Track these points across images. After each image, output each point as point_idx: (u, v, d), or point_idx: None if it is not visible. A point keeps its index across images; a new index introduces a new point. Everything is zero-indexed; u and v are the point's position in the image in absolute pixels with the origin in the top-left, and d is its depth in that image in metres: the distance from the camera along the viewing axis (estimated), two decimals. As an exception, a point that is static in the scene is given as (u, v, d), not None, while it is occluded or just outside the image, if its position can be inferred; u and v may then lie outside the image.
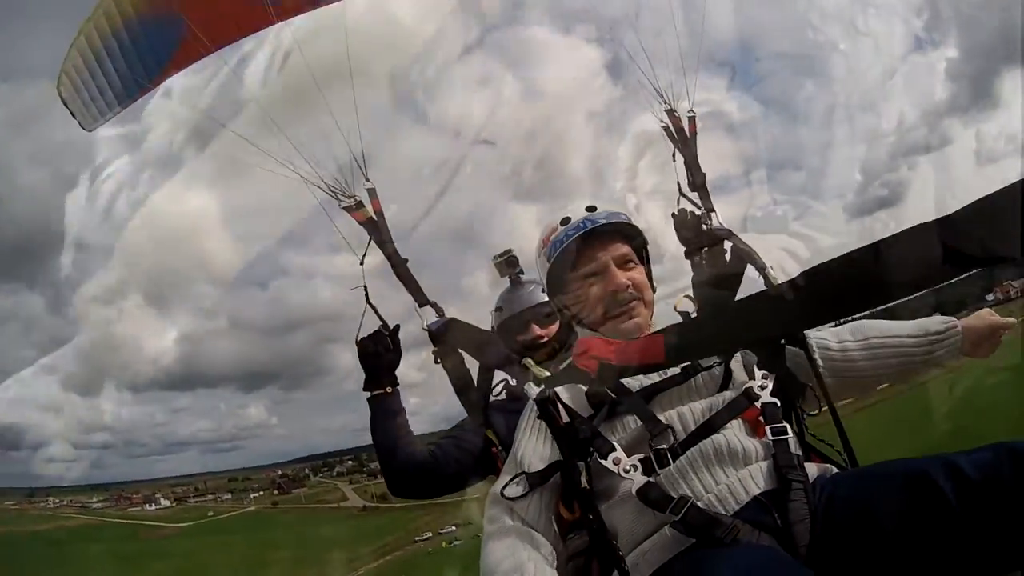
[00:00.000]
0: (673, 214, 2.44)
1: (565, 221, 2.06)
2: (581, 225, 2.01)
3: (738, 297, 2.16)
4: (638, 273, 2.04)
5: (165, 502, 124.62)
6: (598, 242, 2.01)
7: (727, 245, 2.27)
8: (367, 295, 2.35)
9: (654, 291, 2.12)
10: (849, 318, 1.93)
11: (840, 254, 1.29)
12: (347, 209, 2.36)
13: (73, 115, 2.84)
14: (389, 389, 2.38)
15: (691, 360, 1.77)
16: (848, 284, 1.26)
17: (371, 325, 2.43)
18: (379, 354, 2.38)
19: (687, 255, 2.37)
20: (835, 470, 1.66)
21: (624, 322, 1.98)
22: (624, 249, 2.04)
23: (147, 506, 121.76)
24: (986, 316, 1.92)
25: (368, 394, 2.40)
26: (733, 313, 1.64)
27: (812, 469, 1.58)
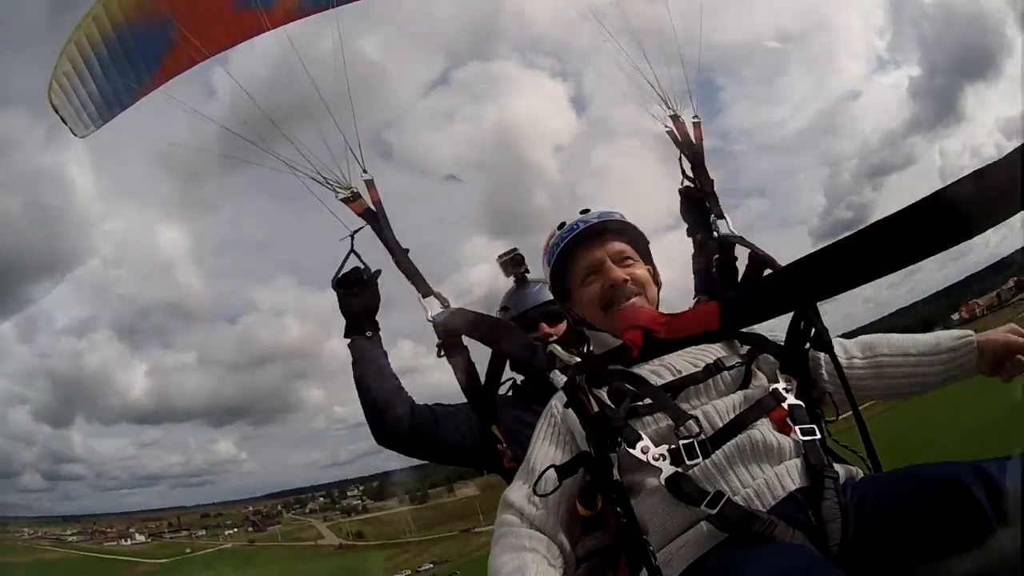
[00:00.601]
0: (680, 190, 2.47)
1: (561, 226, 2.07)
2: (574, 227, 2.03)
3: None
4: (639, 269, 2.01)
5: (140, 537, 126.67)
6: (594, 241, 2.01)
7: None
8: (352, 242, 2.31)
9: (659, 287, 2.06)
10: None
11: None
12: (345, 201, 2.32)
13: (64, 121, 2.82)
14: (369, 334, 2.28)
15: (748, 324, 1.76)
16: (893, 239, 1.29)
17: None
18: (355, 294, 2.29)
19: (688, 233, 2.42)
20: (860, 473, 1.62)
21: (624, 322, 1.89)
22: (620, 246, 2.02)
23: (122, 541, 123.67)
24: (1004, 332, 1.71)
25: (348, 340, 2.30)
26: (788, 274, 1.58)
27: (840, 471, 1.54)
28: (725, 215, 2.35)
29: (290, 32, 2.62)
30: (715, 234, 2.32)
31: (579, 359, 1.78)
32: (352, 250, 2.36)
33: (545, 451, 1.75)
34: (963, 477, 1.22)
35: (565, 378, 1.73)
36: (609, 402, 1.67)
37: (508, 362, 2.19)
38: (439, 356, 2.16)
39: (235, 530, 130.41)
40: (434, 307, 2.18)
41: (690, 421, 1.57)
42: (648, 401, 1.66)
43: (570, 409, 1.70)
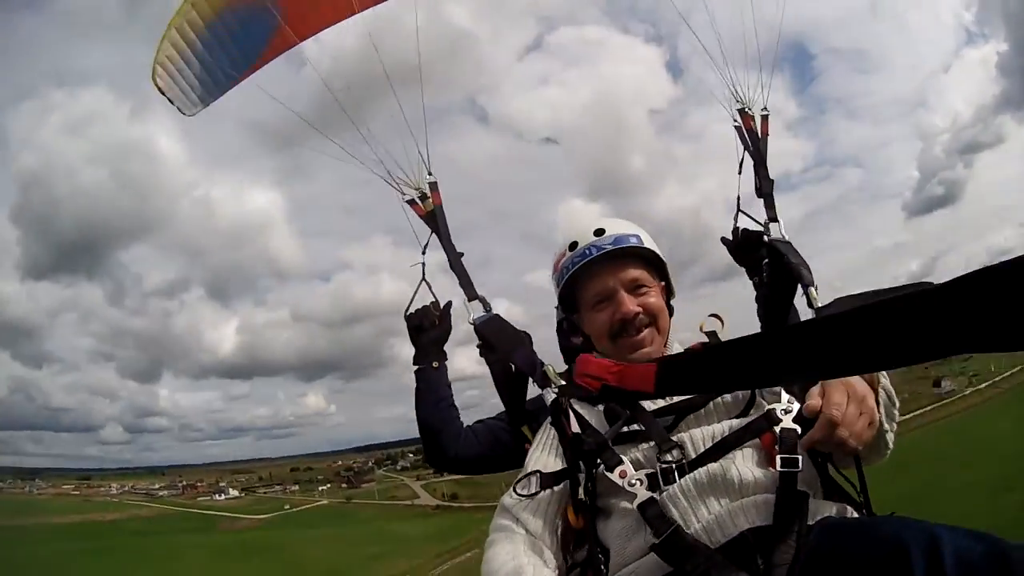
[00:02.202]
0: (724, 239, 2.41)
1: (572, 246, 2.00)
2: (587, 252, 1.95)
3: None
4: (652, 296, 1.96)
5: (233, 492, 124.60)
6: (607, 267, 1.94)
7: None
8: (423, 272, 2.41)
9: (671, 313, 2.04)
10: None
11: (870, 298, 1.13)
12: (410, 202, 2.39)
13: (172, 102, 2.92)
14: (436, 364, 2.40)
15: (681, 394, 1.70)
16: (869, 341, 0.95)
17: (425, 301, 2.46)
18: (424, 328, 2.40)
19: (749, 275, 2.34)
20: (850, 510, 1.57)
21: (633, 352, 1.91)
22: (635, 272, 1.96)
23: (215, 496, 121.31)
24: (817, 395, 1.50)
25: (415, 367, 2.43)
26: (731, 353, 1.32)
27: (825, 507, 1.50)
28: (778, 219, 2.28)
29: (371, 28, 2.76)
30: (765, 238, 2.26)
31: (564, 383, 1.84)
32: (423, 279, 2.43)
33: (538, 457, 1.81)
34: (912, 550, 1.17)
35: (553, 396, 1.81)
36: (595, 424, 1.72)
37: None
38: (480, 355, 2.21)
39: (328, 486, 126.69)
40: (477, 311, 2.18)
41: (674, 449, 1.59)
42: (637, 427, 1.69)
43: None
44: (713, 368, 1.27)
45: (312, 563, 74.94)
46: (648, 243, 2.01)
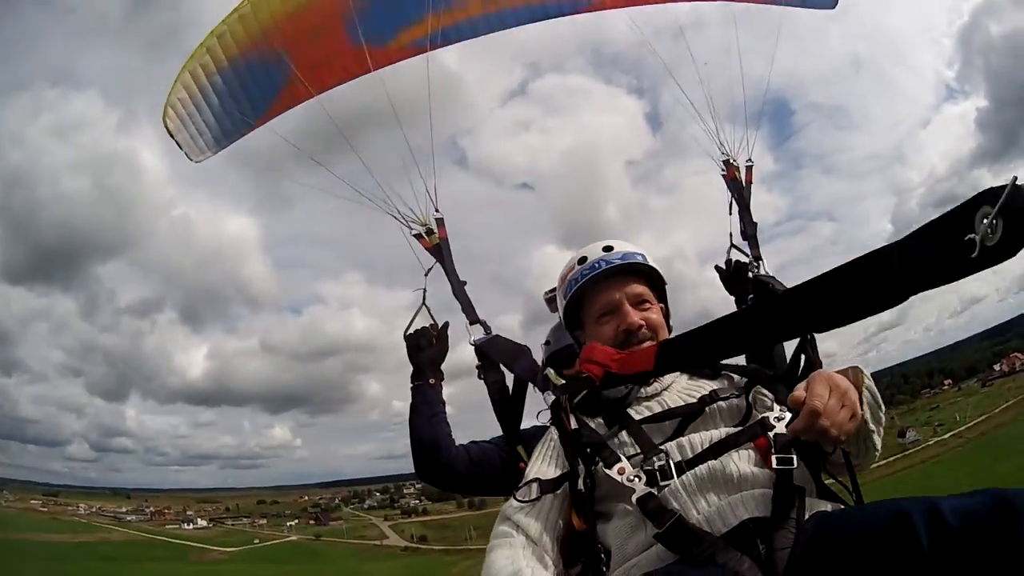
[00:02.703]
0: (717, 267, 2.58)
1: (582, 260, 2.12)
2: (596, 265, 2.07)
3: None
4: (654, 313, 2.08)
5: (201, 522, 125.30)
6: (614, 281, 2.07)
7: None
8: (424, 296, 2.53)
9: (670, 331, 2.13)
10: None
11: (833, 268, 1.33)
12: (417, 236, 2.53)
13: (180, 146, 2.91)
14: (432, 381, 2.45)
15: (679, 369, 1.89)
16: (832, 299, 1.29)
17: (422, 324, 2.54)
18: (422, 348, 2.47)
19: (736, 304, 2.49)
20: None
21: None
22: (639, 288, 2.08)
23: (184, 524, 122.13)
24: (801, 388, 1.53)
25: (412, 384, 2.47)
26: (722, 323, 1.59)
27: (820, 504, 1.59)
28: (762, 258, 2.51)
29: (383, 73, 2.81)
30: (750, 274, 2.47)
31: (564, 382, 1.95)
32: (423, 304, 2.55)
33: (538, 467, 1.85)
34: (912, 515, 1.20)
35: (555, 397, 1.90)
36: (592, 424, 1.83)
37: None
38: (479, 378, 2.33)
39: (295, 521, 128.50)
40: (478, 333, 2.37)
41: (660, 454, 1.64)
42: (626, 436, 1.77)
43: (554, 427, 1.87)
44: (704, 342, 1.47)
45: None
46: (652, 263, 2.14)
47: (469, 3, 3.11)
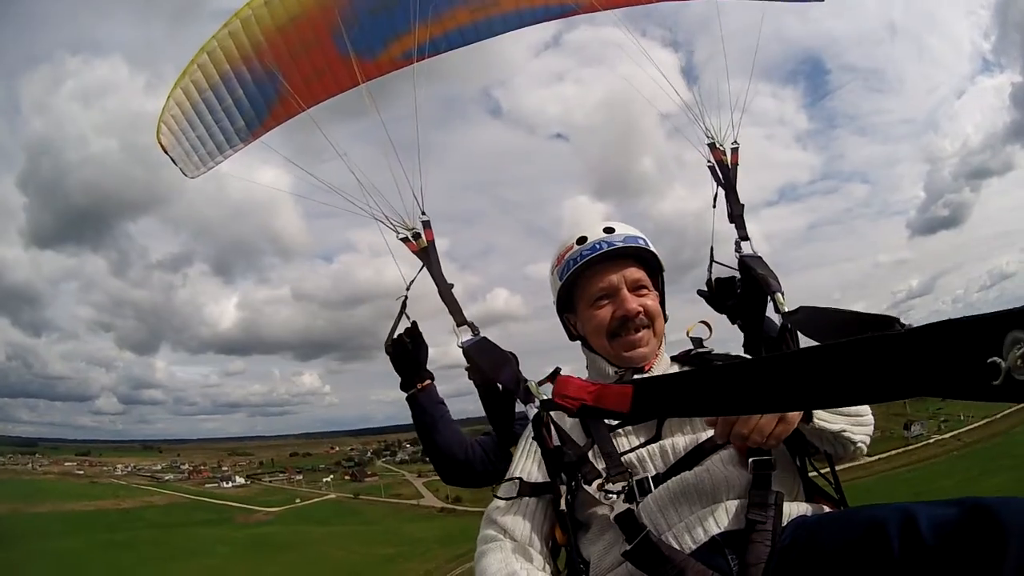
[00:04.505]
0: (700, 292, 2.40)
1: (581, 240, 2.05)
2: (597, 246, 2.00)
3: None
4: (651, 300, 2.04)
5: (239, 479, 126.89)
6: (613, 264, 2.01)
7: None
8: (404, 305, 2.48)
9: (666, 320, 2.11)
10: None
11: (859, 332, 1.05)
12: (403, 240, 2.47)
13: (175, 162, 2.91)
14: (421, 385, 2.45)
15: (656, 417, 1.77)
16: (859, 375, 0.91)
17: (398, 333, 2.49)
18: (402, 353, 2.47)
19: (731, 321, 2.32)
20: (827, 509, 1.65)
21: (630, 350, 1.99)
22: (639, 274, 2.04)
23: (223, 483, 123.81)
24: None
25: (405, 395, 2.46)
26: (711, 379, 1.29)
27: (802, 508, 1.56)
28: (749, 237, 2.36)
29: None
30: (736, 254, 2.33)
31: (546, 398, 1.81)
32: (403, 311, 2.48)
33: (522, 464, 1.89)
34: (888, 524, 1.18)
35: (536, 410, 1.82)
36: (575, 437, 1.79)
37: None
38: (469, 379, 2.25)
39: (331, 477, 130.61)
40: (466, 335, 2.22)
41: (623, 472, 1.65)
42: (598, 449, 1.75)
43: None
44: (688, 394, 1.28)
45: (333, 563, 78.79)
46: (652, 249, 2.10)
47: (457, 12, 3.04)
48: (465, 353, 2.16)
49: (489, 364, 2.07)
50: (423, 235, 2.47)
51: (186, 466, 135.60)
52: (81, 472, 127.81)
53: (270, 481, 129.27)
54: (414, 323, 2.48)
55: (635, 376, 1.94)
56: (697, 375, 1.47)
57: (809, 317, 1.82)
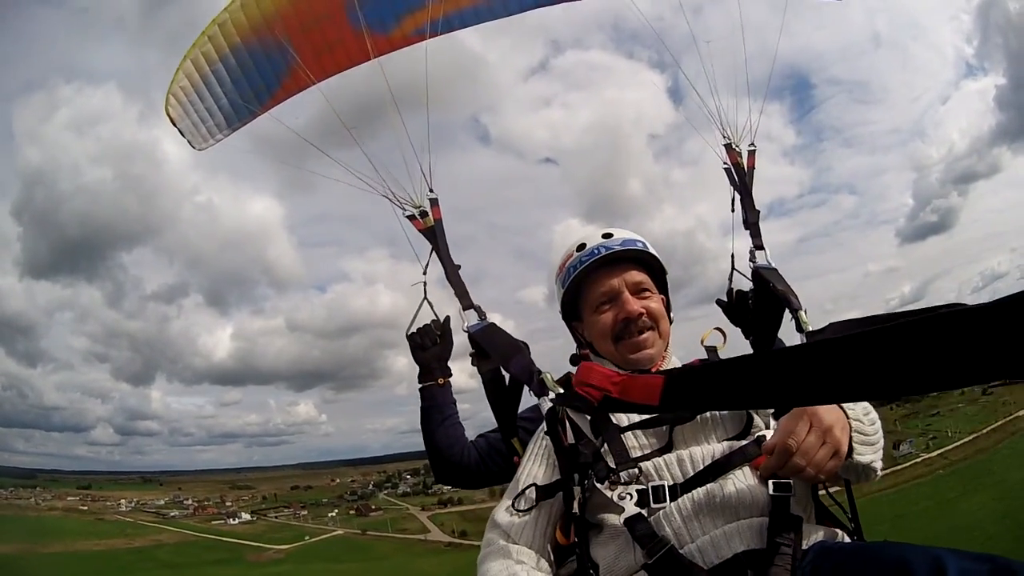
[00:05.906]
0: (719, 301, 2.44)
1: (580, 247, 2.06)
2: (595, 251, 2.01)
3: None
4: (654, 302, 2.02)
5: (245, 516, 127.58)
6: (614, 269, 2.01)
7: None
8: (425, 291, 2.43)
9: (671, 322, 2.09)
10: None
11: (881, 322, 1.15)
12: (410, 218, 2.44)
13: (182, 134, 2.89)
14: (441, 381, 2.43)
15: (688, 412, 1.69)
16: (884, 363, 0.87)
17: (425, 320, 2.49)
18: (426, 347, 2.43)
19: (744, 335, 2.32)
20: (841, 535, 1.60)
21: (635, 352, 1.98)
22: (639, 277, 2.03)
23: (229, 520, 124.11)
24: (785, 427, 1.51)
25: (420, 385, 2.44)
26: (744, 370, 1.24)
27: (818, 532, 1.53)
28: (764, 247, 2.35)
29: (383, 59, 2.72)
30: (751, 264, 2.34)
31: (562, 391, 1.79)
32: (425, 298, 2.45)
33: (531, 470, 1.81)
34: (917, 571, 1.12)
35: (549, 405, 1.77)
36: (591, 435, 1.71)
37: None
38: (472, 364, 2.22)
39: (335, 511, 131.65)
40: (472, 319, 2.21)
41: (632, 469, 1.60)
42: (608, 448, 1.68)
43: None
44: (725, 385, 1.19)
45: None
46: (653, 251, 2.08)
47: None
48: (471, 339, 2.17)
49: (498, 351, 2.06)
50: (430, 213, 2.45)
51: (189, 501, 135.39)
52: (85, 508, 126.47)
53: (275, 517, 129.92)
54: (447, 319, 2.48)
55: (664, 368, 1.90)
56: (741, 361, 1.29)
57: (841, 333, 1.73)
